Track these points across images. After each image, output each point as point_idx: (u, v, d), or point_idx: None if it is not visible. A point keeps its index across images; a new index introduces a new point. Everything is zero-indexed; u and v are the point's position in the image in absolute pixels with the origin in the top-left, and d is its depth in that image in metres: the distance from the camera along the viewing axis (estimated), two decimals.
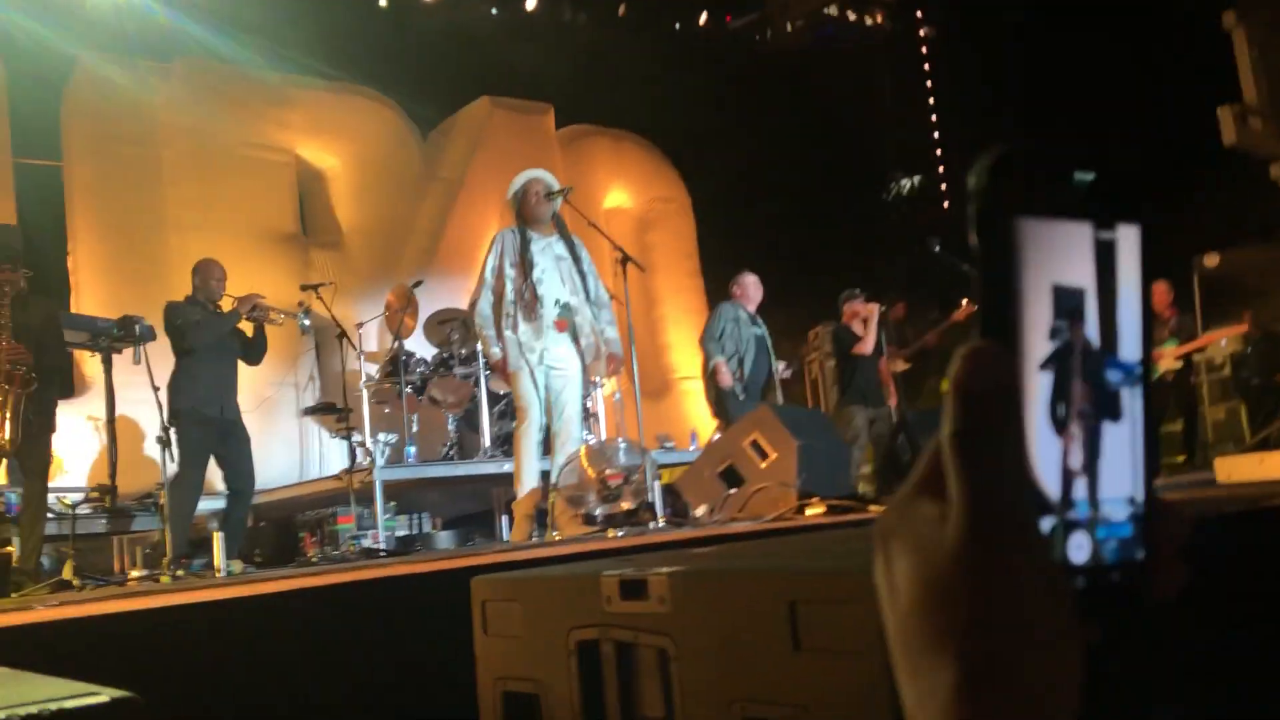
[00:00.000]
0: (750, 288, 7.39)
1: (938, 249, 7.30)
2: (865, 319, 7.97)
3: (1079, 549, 0.42)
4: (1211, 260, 8.25)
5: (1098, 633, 0.41)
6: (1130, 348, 0.43)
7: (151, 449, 6.85)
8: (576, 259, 5.38)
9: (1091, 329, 0.43)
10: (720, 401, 7.17)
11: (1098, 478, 0.42)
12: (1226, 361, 9.15)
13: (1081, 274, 0.43)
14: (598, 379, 6.21)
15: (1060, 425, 0.42)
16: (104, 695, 0.75)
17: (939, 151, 14.89)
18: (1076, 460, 0.42)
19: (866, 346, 7.94)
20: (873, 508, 4.49)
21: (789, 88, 12.11)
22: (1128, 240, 0.43)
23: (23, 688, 0.85)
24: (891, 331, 8.64)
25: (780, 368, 7.46)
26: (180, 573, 5.30)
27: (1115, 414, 0.43)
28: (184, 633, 2.62)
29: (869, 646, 1.33)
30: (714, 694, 1.56)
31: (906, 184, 14.59)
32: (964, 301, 8.49)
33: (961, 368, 0.42)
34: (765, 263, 8.46)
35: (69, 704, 0.73)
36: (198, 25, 8.72)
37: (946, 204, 14.61)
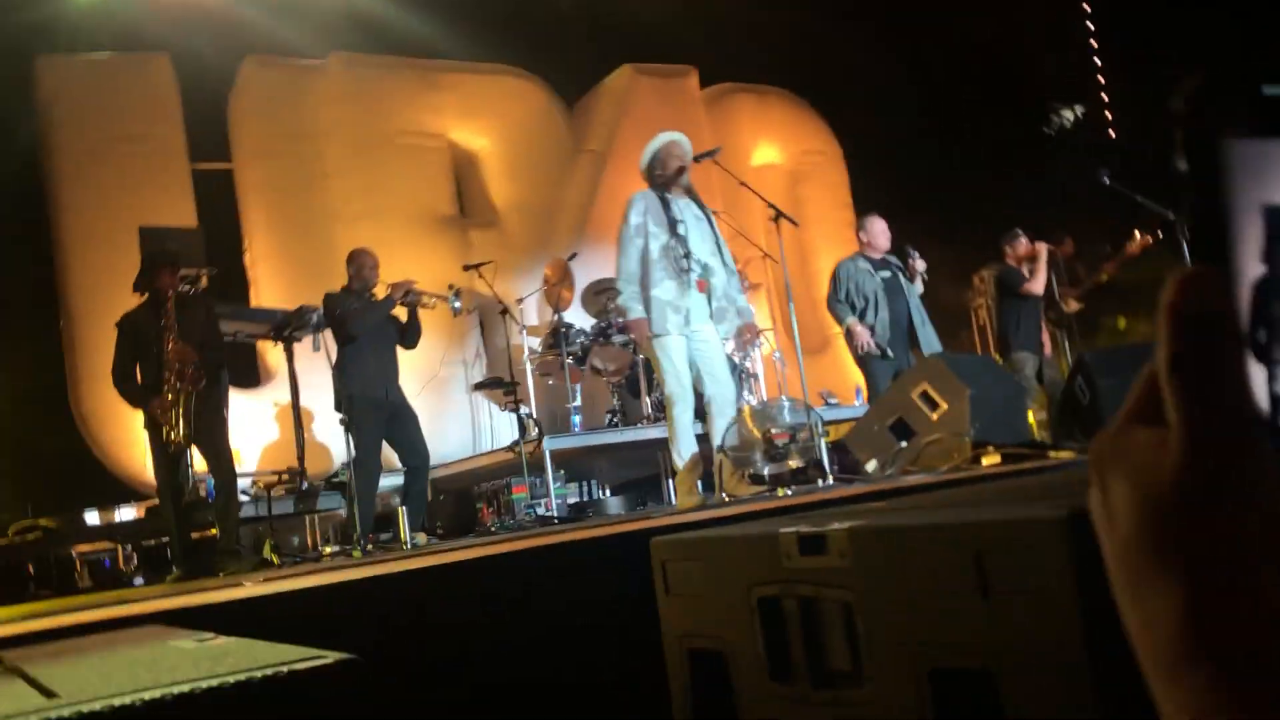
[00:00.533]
0: (878, 235, 6.94)
1: (1107, 180, 6.91)
2: (1034, 258, 7.66)
3: None
4: None
5: None
6: None
7: (334, 431, 7.21)
8: (711, 224, 5.33)
9: None
10: (864, 363, 6.82)
11: None
12: None
13: None
14: (744, 349, 6.13)
15: (1261, 351, 0.40)
16: (330, 658, 0.81)
17: (1100, 78, 14.15)
18: None
19: (1037, 286, 7.63)
20: (1052, 454, 4.34)
21: (936, 25, 11.68)
22: None
23: (256, 652, 0.92)
24: (1062, 270, 8.30)
25: (914, 258, 6.89)
26: (370, 547, 5.57)
27: None
28: (383, 601, 2.75)
29: (1060, 591, 1.30)
30: (901, 645, 1.55)
31: (1069, 115, 13.91)
32: (1136, 234, 8.06)
33: (1175, 291, 0.41)
34: (924, 209, 8.25)
35: (300, 666, 0.78)
36: (346, 19, 9.02)
37: (1113, 132, 13.88)
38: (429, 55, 9.21)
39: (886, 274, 6.80)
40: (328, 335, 6.48)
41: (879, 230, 6.96)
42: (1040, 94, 13.45)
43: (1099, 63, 14.22)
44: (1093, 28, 14.34)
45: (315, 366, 6.78)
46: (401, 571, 2.96)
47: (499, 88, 9.46)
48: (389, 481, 6.88)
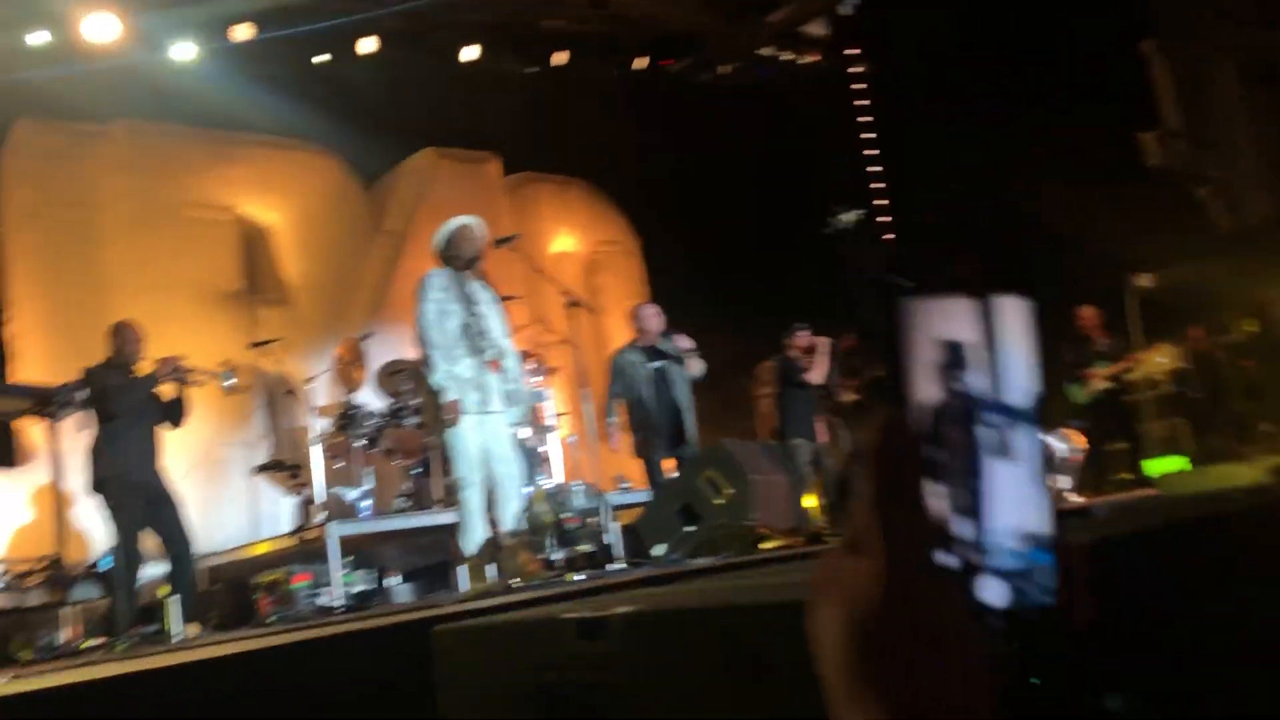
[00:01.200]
0: (648, 319, 7.10)
1: (900, 284, 7.37)
2: (813, 350, 8.04)
3: (992, 591, 0.45)
4: (1146, 280, 8.46)
5: (1019, 667, 0.45)
6: (1017, 393, 0.47)
7: (95, 515, 6.75)
8: (499, 309, 5.39)
9: (977, 378, 0.47)
10: (640, 452, 6.93)
11: (994, 518, 0.46)
12: (1166, 378, 9.35)
13: (964, 330, 0.47)
14: (550, 424, 6.18)
15: (937, 470, 0.46)
16: None
17: (879, 185, 15.16)
18: (965, 503, 0.46)
19: (815, 376, 8.00)
20: (828, 539, 4.53)
21: (730, 127, 12.29)
22: (1008, 305, 0.48)
23: None
24: (841, 363, 8.74)
25: (678, 339, 7.03)
26: (132, 641, 5.21)
27: (1005, 455, 0.47)
28: (144, 701, 2.58)
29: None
30: None
31: (849, 216, 14.75)
32: None
33: (875, 438, 0.46)
34: (712, 300, 8.55)
35: None
36: (134, 86, 8.68)
37: (887, 235, 14.84)
38: (221, 127, 8.95)
39: (658, 364, 6.95)
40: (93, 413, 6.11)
41: (648, 315, 7.11)
42: (824, 197, 14.27)
43: (878, 169, 15.25)
44: (874, 137, 15.40)
45: (79, 447, 6.35)
46: (164, 667, 2.79)
47: (293, 162, 9.28)
48: (158, 569, 6.47)
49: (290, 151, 9.26)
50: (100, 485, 5.78)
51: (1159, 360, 8.71)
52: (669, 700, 1.59)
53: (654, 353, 6.98)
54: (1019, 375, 0.48)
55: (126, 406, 5.91)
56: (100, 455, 5.84)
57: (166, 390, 6.15)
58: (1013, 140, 11.45)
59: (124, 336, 6.14)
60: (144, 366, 6.10)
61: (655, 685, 1.62)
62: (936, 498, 0.46)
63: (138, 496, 5.88)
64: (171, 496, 6.09)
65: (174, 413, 6.21)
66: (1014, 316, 0.48)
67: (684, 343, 7.01)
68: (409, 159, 10.01)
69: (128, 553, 5.78)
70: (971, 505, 0.46)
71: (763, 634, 1.46)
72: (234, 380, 6.58)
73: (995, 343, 0.47)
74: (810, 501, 7.53)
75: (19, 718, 2.37)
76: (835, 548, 0.49)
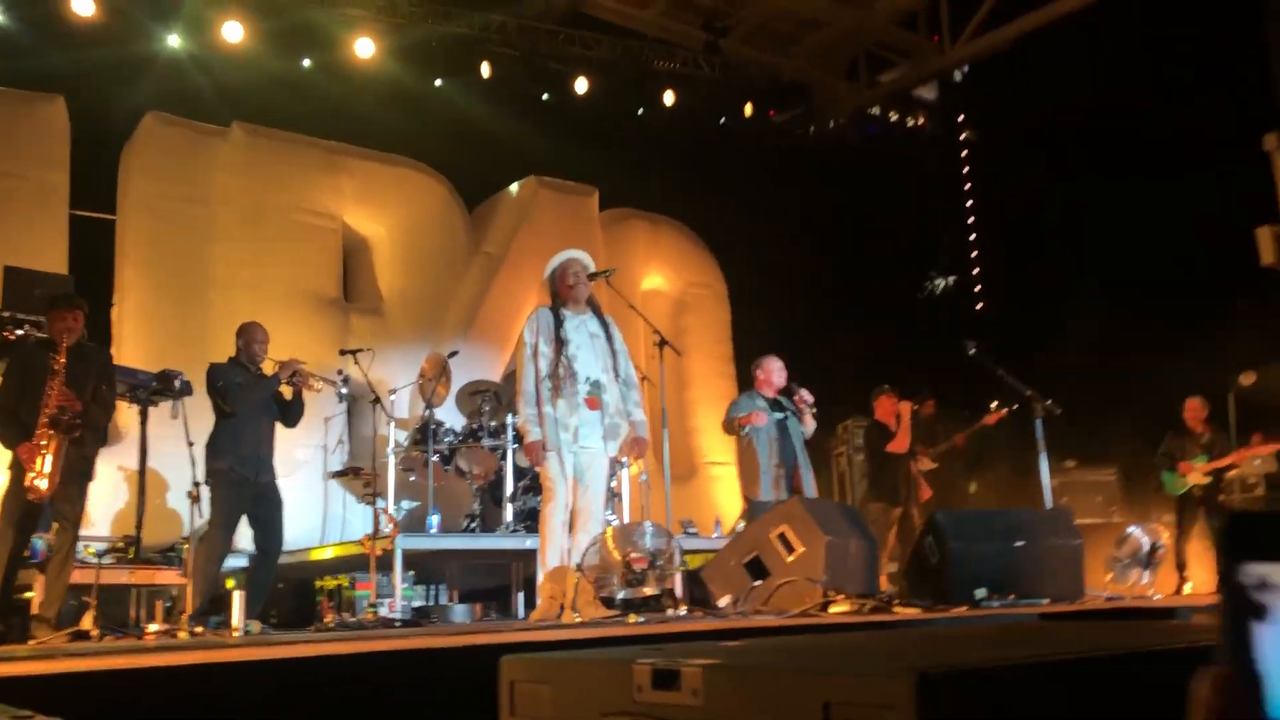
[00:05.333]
0: (774, 373, 7.02)
1: (973, 351, 7.25)
2: (900, 415, 7.93)
3: None
4: (1248, 378, 8.21)
5: None
6: None
7: (178, 503, 6.90)
8: (609, 337, 5.41)
9: None
10: (749, 501, 6.86)
11: None
12: (1260, 481, 9.04)
13: None
14: (624, 459, 6.16)
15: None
16: None
17: (975, 254, 14.97)
18: None
19: (902, 444, 7.88)
20: (898, 609, 4.44)
21: (830, 181, 12.26)
22: None
23: None
24: (921, 429, 8.61)
25: (799, 394, 6.95)
26: (199, 629, 5.30)
27: None
28: (195, 694, 2.61)
29: None
30: None
31: (942, 283, 14.63)
32: (993, 404, 8.44)
33: (1210, 693, 0.48)
34: (797, 353, 8.47)
35: None
36: (258, 90, 9.00)
37: (980, 305, 14.63)
38: (335, 137, 9.21)
39: (780, 415, 6.87)
40: (187, 403, 6.26)
41: (775, 369, 6.99)
42: (920, 261, 14.16)
43: (974, 239, 15.07)
44: (971, 205, 15.23)
45: (167, 434, 6.51)
46: (224, 662, 2.83)
47: (400, 178, 9.49)
48: (229, 564, 6.58)
49: (398, 168, 9.48)
50: (213, 475, 5.92)
51: (1256, 462, 8.42)
52: None
53: (775, 404, 6.93)
54: None
55: (249, 404, 6.07)
56: (217, 448, 5.99)
57: (285, 391, 6.31)
58: (1126, 221, 11.24)
59: (251, 336, 6.31)
60: (266, 366, 6.27)
61: None
62: None
63: (246, 492, 6.02)
64: (278, 495, 6.23)
65: (291, 414, 6.38)
66: None
67: (806, 397, 6.93)
68: (511, 185, 10.17)
69: (217, 543, 5.92)
70: None
71: (834, 701, 1.44)
72: (347, 389, 6.75)
73: None
74: (886, 567, 7.41)
75: (76, 693, 2.41)
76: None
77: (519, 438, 5.90)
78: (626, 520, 7.52)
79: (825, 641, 2.70)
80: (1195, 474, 8.22)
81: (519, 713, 2.07)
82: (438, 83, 10.14)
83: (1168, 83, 11.79)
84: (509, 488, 7.42)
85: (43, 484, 5.19)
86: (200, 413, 6.19)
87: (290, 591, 7.45)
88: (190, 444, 5.94)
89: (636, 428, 5.37)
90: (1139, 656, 1.55)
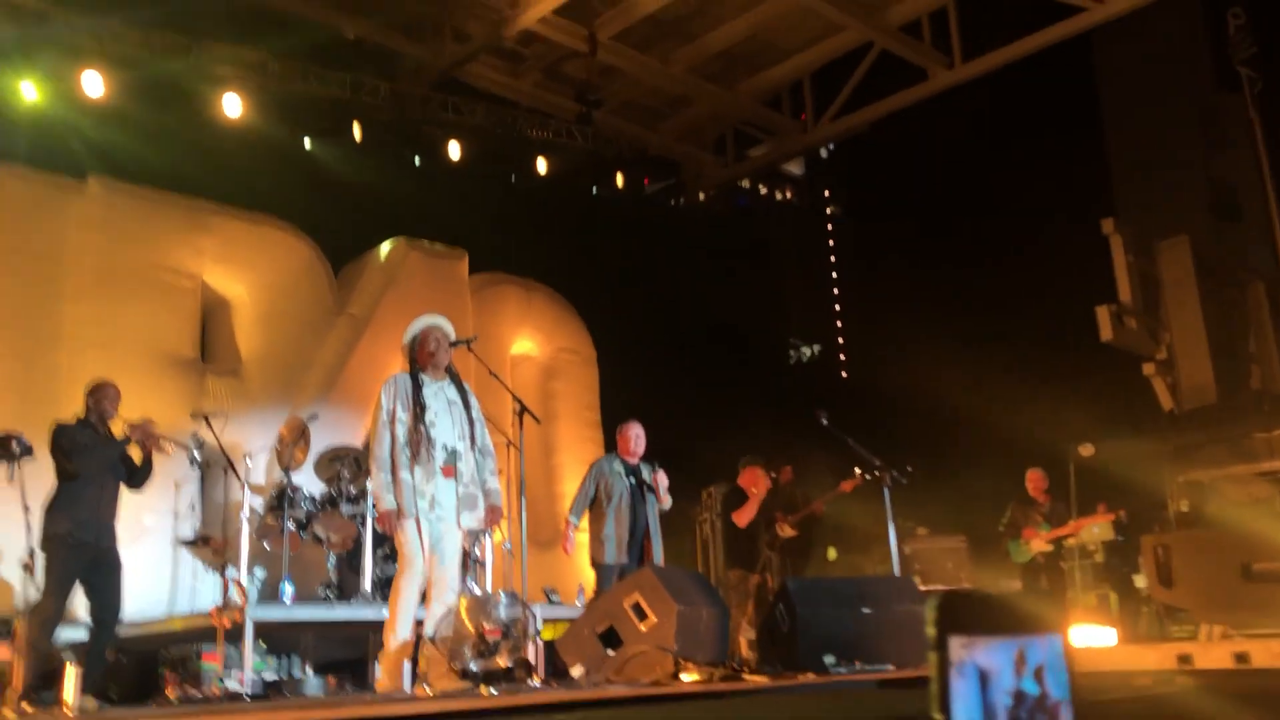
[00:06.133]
0: (633, 440, 7.12)
1: (825, 422, 7.48)
2: (755, 489, 8.08)
3: None
4: (1086, 450, 8.67)
5: None
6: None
7: (10, 572, 6.56)
8: (467, 405, 5.41)
9: None
10: (597, 567, 6.96)
11: None
12: (1100, 548, 9.51)
13: None
14: (485, 529, 6.13)
15: None
16: None
17: (838, 324, 15.48)
18: None
19: (743, 517, 8.03)
20: (748, 677, 4.51)
21: (699, 251, 12.58)
22: None
23: None
24: (779, 496, 8.79)
25: (657, 472, 7.08)
26: (28, 708, 5.04)
27: None
28: None
29: None
30: None
31: (808, 351, 15.08)
32: (856, 470, 8.70)
33: None
34: (663, 419, 8.60)
35: None
36: (115, 144, 8.77)
37: (844, 374, 15.09)
38: (198, 196, 9.02)
39: (633, 481, 6.98)
40: (26, 467, 5.99)
41: (633, 436, 7.12)
42: (785, 329, 14.57)
43: (838, 309, 15.59)
44: (835, 277, 15.78)
45: (4, 497, 6.22)
46: None
47: (263, 237, 9.32)
48: (66, 636, 6.27)
49: (261, 226, 9.31)
50: (48, 541, 5.65)
51: (1095, 530, 8.86)
52: None
53: (633, 470, 7.05)
54: None
55: (95, 465, 5.84)
56: (55, 511, 5.74)
57: (135, 453, 6.10)
58: (974, 295, 11.78)
59: (103, 394, 6.08)
60: (116, 427, 6.05)
61: None
62: None
63: (84, 556, 5.76)
64: (117, 561, 5.98)
65: (139, 477, 6.16)
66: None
67: (662, 479, 7.08)
68: (379, 246, 10.10)
69: (51, 613, 5.63)
70: None
71: None
72: (201, 453, 6.57)
73: None
74: (746, 633, 7.51)
75: None
76: None
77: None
78: (489, 589, 7.46)
79: (664, 713, 2.75)
80: (1039, 541, 8.61)
81: None
82: (307, 143, 10.08)
83: (1015, 165, 12.51)
84: (368, 555, 7.28)
85: None
86: (41, 475, 5.93)
87: (132, 664, 7.11)
88: (26, 509, 5.68)
89: (491, 495, 5.36)
90: None
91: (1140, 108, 15.33)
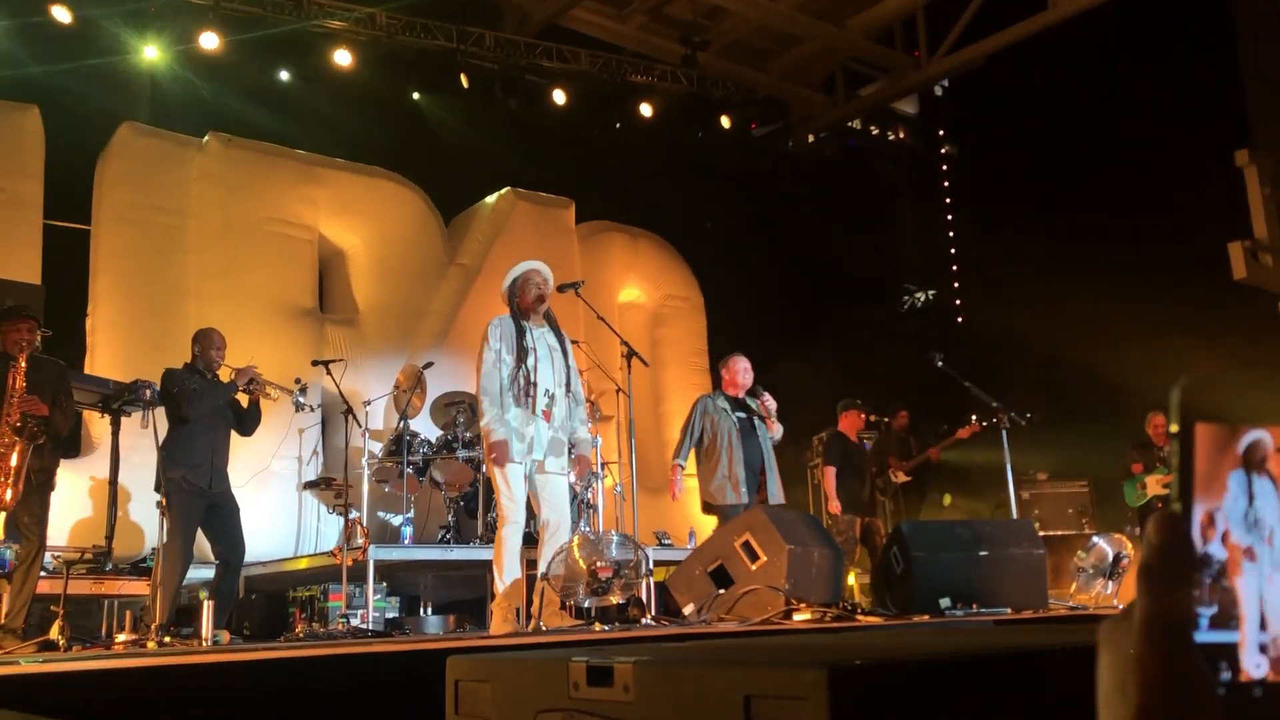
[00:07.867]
0: (739, 373, 6.80)
1: (940, 364, 7.31)
2: (865, 427, 7.97)
3: (1257, 666, 0.53)
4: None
5: None
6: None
7: (150, 513, 6.88)
8: (565, 352, 5.43)
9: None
10: (712, 508, 6.68)
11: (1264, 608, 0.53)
12: None
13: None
14: (587, 475, 6.17)
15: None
16: None
17: (954, 268, 15.07)
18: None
19: (829, 483, 7.90)
20: (861, 617, 4.47)
21: (809, 195, 12.34)
22: None
23: None
24: (894, 442, 8.65)
25: (764, 398, 6.76)
26: (167, 639, 5.29)
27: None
28: (164, 694, 2.63)
29: None
30: None
31: (921, 297, 14.72)
32: (972, 418, 8.49)
33: (1157, 529, 0.54)
34: (772, 365, 8.54)
35: None
36: (233, 101, 9.02)
37: (960, 319, 14.72)
38: (312, 149, 9.23)
39: (742, 415, 6.71)
40: (159, 412, 6.25)
41: (741, 369, 6.82)
42: (898, 274, 14.24)
43: (954, 253, 15.15)
44: (950, 219, 15.32)
45: (140, 444, 6.51)
46: (187, 665, 2.84)
47: (376, 189, 9.51)
48: (199, 574, 6.57)
49: (374, 179, 9.50)
50: (167, 484, 5.88)
51: None
52: None
53: (740, 405, 6.77)
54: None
55: (203, 411, 6.03)
56: (169, 456, 5.94)
57: (242, 399, 6.29)
58: (1095, 235, 11.32)
59: (207, 342, 6.28)
60: (223, 374, 6.24)
61: None
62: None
63: (201, 500, 5.98)
64: (233, 504, 6.20)
65: (248, 422, 6.34)
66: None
67: (769, 402, 6.78)
68: (488, 197, 10.20)
69: (177, 554, 5.88)
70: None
71: (754, 694, 1.48)
72: (305, 399, 6.74)
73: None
74: (850, 577, 7.44)
75: (45, 697, 2.43)
76: (1126, 606, 0.56)
77: None
78: (599, 531, 7.53)
79: (758, 642, 2.73)
80: (1155, 485, 8.31)
81: (462, 711, 2.10)
82: (415, 95, 10.20)
83: (1141, 97, 11.92)
84: (483, 499, 7.43)
85: (6, 494, 5.17)
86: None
87: (263, 602, 7.43)
88: (161, 453, 5.94)
89: (580, 445, 5.38)
90: (1051, 653, 1.59)
91: (1278, 32, 14.43)
